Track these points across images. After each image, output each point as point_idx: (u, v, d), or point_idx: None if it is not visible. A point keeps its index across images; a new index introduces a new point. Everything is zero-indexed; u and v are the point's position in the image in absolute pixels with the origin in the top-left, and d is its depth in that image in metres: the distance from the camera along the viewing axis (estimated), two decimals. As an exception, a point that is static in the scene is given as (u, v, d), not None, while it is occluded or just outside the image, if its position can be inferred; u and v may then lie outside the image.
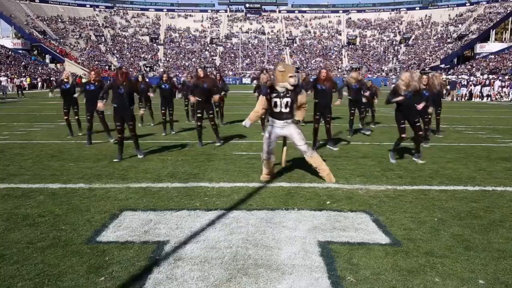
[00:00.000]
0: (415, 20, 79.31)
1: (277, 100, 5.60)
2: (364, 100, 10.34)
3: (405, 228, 3.99)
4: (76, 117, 9.99)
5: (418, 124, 6.99)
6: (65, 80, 9.72)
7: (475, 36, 63.89)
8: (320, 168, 5.79)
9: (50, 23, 73.12)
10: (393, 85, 7.41)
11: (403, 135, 7.00)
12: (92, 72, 9.04)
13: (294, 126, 5.74)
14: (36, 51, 65.96)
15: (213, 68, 68.83)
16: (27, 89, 36.71)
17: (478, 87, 30.37)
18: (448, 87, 26.22)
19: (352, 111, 10.08)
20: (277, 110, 5.65)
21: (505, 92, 29.85)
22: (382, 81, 58.14)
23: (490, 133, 11.21)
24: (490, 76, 34.50)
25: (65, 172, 6.22)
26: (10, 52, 52.79)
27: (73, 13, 79.37)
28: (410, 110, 6.86)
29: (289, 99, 5.59)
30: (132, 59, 72.01)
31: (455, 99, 28.81)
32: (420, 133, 7.03)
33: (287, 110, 5.64)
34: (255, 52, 75.85)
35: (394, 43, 75.43)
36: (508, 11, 62.37)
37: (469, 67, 49.35)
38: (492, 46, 56.80)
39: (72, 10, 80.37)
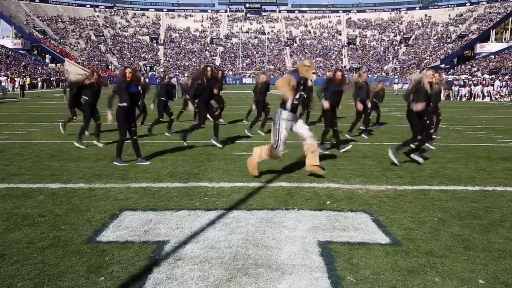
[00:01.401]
0: (415, 20, 79.30)
1: (299, 94, 5.75)
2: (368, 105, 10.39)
3: (405, 228, 3.99)
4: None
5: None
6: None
7: (475, 36, 63.89)
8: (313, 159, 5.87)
9: (50, 23, 73.12)
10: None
11: (420, 137, 6.79)
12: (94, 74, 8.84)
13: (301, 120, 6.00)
14: (36, 51, 65.98)
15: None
16: (27, 89, 36.66)
17: (479, 87, 30.36)
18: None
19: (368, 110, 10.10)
20: (296, 102, 5.73)
21: (504, 92, 29.85)
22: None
23: (490, 133, 11.21)
24: (489, 77, 34.49)
25: (65, 172, 6.22)
26: (10, 52, 52.78)
27: (73, 13, 79.37)
28: (424, 112, 6.72)
29: (303, 93, 5.79)
30: (132, 59, 72.00)
31: (451, 98, 28.81)
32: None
33: (300, 103, 5.83)
34: (255, 52, 75.86)
35: (394, 43, 75.42)
36: (508, 11, 62.37)
37: (469, 67, 49.34)
38: (492, 46, 56.79)
39: (72, 10, 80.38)
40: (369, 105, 10.08)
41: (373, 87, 11.36)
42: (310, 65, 5.73)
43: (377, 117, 12.06)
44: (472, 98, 29.72)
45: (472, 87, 30.70)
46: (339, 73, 8.03)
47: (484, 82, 31.29)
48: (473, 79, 34.34)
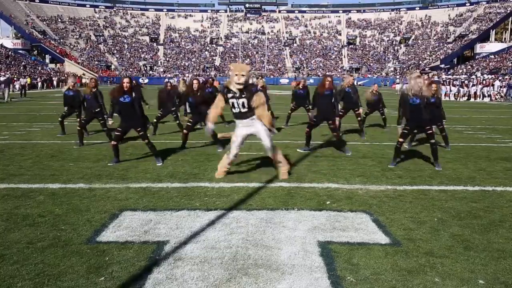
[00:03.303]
0: (415, 20, 79.26)
1: (234, 100, 5.63)
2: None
3: (405, 228, 3.99)
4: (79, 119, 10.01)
5: (430, 131, 6.56)
6: (71, 88, 9.95)
7: (475, 36, 63.87)
8: (281, 164, 5.89)
9: (50, 23, 73.08)
10: (407, 82, 6.98)
11: (401, 139, 6.70)
12: (93, 80, 9.03)
13: (260, 122, 5.75)
14: (36, 51, 65.93)
15: (213, 68, 68.88)
16: (27, 89, 36.58)
17: (479, 87, 30.34)
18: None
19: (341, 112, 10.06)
20: (236, 111, 5.69)
21: (504, 92, 29.85)
22: (382, 81, 58.20)
23: (490, 133, 11.21)
24: (488, 77, 34.48)
25: (65, 172, 6.21)
26: (10, 52, 52.74)
27: (73, 13, 79.33)
28: (420, 116, 6.45)
29: (245, 100, 5.60)
30: (132, 59, 72.01)
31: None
32: (433, 141, 6.59)
33: (246, 109, 5.66)
34: (255, 52, 75.83)
35: (394, 43, 75.41)
36: (508, 11, 62.35)
37: (469, 67, 49.35)
38: (492, 46, 56.79)
39: (72, 10, 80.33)
40: (361, 110, 10.15)
41: (367, 95, 11.10)
42: (232, 68, 5.64)
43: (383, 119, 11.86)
44: (472, 98, 29.69)
45: (471, 87, 30.66)
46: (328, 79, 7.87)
47: (484, 82, 31.25)
48: (472, 78, 34.32)
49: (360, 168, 6.65)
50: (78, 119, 9.16)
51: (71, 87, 9.81)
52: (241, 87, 5.54)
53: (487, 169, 6.64)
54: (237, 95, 5.59)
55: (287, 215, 4.35)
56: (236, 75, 5.50)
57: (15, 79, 37.60)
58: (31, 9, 72.94)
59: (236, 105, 5.64)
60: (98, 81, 9.22)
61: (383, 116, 11.63)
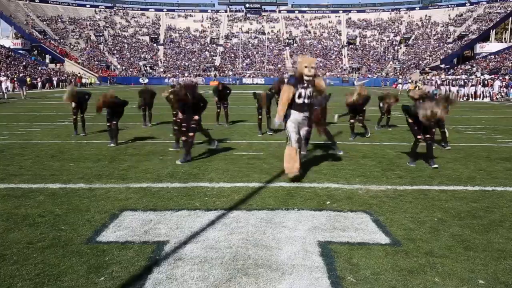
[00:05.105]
0: (415, 20, 79.25)
1: (302, 91, 5.72)
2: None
3: (405, 228, 3.99)
4: (82, 115, 10.03)
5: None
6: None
7: (475, 36, 63.87)
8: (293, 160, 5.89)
9: (50, 23, 73.07)
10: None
11: (419, 137, 6.79)
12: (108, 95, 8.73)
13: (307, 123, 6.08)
14: (36, 51, 65.90)
15: (213, 69, 68.89)
16: (27, 89, 36.54)
17: (479, 87, 30.32)
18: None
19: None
20: (300, 101, 5.75)
21: (505, 92, 29.83)
22: (382, 81, 58.17)
23: (490, 133, 11.21)
24: (489, 77, 34.45)
25: (65, 172, 6.21)
26: (10, 52, 52.72)
27: (73, 13, 79.32)
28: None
29: (311, 89, 5.77)
30: (132, 59, 72.00)
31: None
32: (428, 136, 6.76)
33: (309, 100, 5.82)
34: (255, 52, 75.80)
35: (394, 43, 75.39)
36: (508, 11, 62.32)
37: (469, 67, 49.34)
38: (492, 46, 56.77)
39: (72, 10, 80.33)
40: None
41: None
42: (301, 60, 5.76)
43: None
44: (472, 98, 29.67)
45: (470, 87, 30.64)
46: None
47: (484, 82, 31.22)
48: (471, 78, 34.32)
49: (360, 168, 6.65)
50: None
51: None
52: (311, 78, 5.71)
53: (487, 169, 6.64)
54: (306, 85, 5.72)
55: (287, 215, 4.35)
56: (306, 67, 5.64)
57: (14, 79, 37.53)
58: (31, 9, 72.92)
59: (303, 95, 5.73)
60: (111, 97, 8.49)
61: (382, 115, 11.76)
